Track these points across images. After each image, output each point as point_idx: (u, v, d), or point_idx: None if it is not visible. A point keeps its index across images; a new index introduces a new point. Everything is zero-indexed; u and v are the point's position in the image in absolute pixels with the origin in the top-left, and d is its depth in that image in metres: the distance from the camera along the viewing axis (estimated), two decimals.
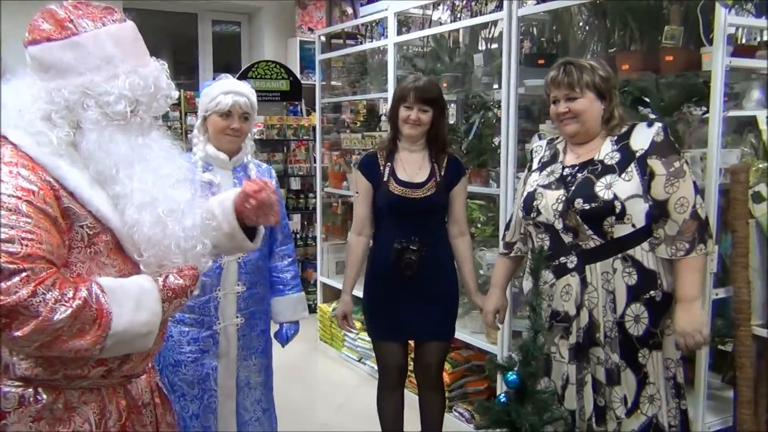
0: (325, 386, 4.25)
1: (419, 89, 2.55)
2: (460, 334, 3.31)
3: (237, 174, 2.41)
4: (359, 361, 4.39)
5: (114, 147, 1.33)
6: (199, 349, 2.34)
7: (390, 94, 3.80)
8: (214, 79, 2.48)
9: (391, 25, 3.80)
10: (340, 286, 4.58)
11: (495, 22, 3.34)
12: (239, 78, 5.27)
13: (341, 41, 5.10)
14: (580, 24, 2.95)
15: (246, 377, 2.44)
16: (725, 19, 2.14)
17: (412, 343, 2.82)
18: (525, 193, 2.26)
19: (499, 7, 3.20)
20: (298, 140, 5.91)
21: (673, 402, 2.14)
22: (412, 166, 2.64)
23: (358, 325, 4.33)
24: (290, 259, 2.60)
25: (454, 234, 2.71)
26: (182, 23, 6.67)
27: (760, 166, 2.38)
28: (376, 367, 2.90)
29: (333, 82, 5.06)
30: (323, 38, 4.93)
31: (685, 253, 2.02)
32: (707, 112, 2.28)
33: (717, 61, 2.17)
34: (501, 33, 3.06)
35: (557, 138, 2.32)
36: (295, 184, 6.07)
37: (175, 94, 1.47)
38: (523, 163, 3.10)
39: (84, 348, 1.20)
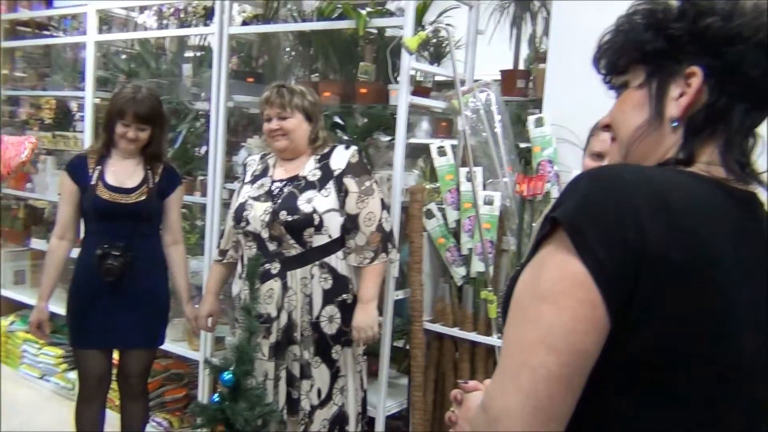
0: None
1: (139, 108, 2.50)
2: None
3: None
4: (41, 378, 4.04)
5: None
6: None
7: (87, 94, 3.62)
8: None
9: (92, 22, 3.61)
10: (19, 298, 4.22)
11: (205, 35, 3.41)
12: None
13: (30, 30, 4.64)
14: (287, 49, 3.17)
15: None
16: (409, 63, 2.53)
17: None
18: (237, 204, 2.42)
19: (208, 19, 3.27)
20: None
21: (361, 392, 2.47)
22: (124, 171, 2.60)
23: (40, 339, 4.01)
24: None
25: (168, 242, 2.71)
26: None
27: (430, 187, 2.86)
28: (62, 384, 2.75)
29: (18, 74, 4.58)
30: (6, 24, 4.44)
31: (370, 261, 2.35)
32: (393, 139, 2.67)
33: (401, 97, 2.54)
34: (210, 44, 3.14)
35: (269, 153, 2.51)
36: None
37: None
38: (229, 174, 3.23)
39: None
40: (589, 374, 0.75)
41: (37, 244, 4.16)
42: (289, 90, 2.37)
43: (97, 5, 3.59)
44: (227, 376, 1.92)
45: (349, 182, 2.34)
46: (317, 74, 3.02)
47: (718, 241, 0.78)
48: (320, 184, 2.34)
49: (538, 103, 2.83)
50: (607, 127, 0.94)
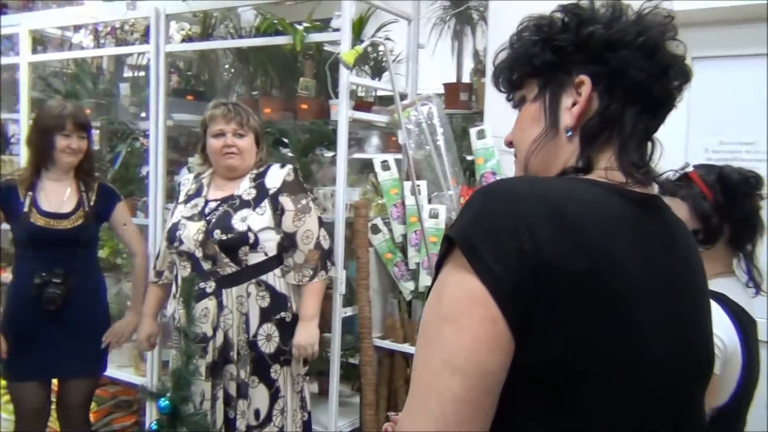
0: None
1: (76, 116, 2.49)
2: (108, 369, 3.19)
3: None
4: None
5: None
6: None
7: (22, 116, 3.51)
8: None
9: (25, 43, 3.51)
10: None
11: (142, 53, 3.34)
12: None
13: None
14: (226, 66, 3.13)
15: None
16: (348, 78, 2.52)
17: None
18: (170, 224, 2.39)
19: (145, 39, 3.21)
20: None
21: (300, 413, 2.42)
22: (58, 196, 2.53)
23: None
24: None
25: (130, 255, 2.71)
26: None
27: (379, 202, 2.83)
28: (4, 416, 2.64)
29: None
30: None
31: (310, 278, 2.34)
32: (335, 154, 2.64)
33: (341, 112, 2.52)
34: (148, 63, 3.08)
35: (203, 173, 2.47)
36: None
37: None
38: (171, 193, 3.15)
39: None
40: (500, 391, 0.73)
41: None
42: (243, 108, 2.36)
43: (29, 25, 3.49)
44: (164, 402, 1.86)
45: (285, 201, 2.33)
46: (257, 91, 2.98)
47: (619, 247, 0.77)
48: (255, 203, 2.32)
49: (482, 116, 2.84)
50: (510, 144, 0.94)
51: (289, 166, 2.40)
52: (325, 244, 2.38)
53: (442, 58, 3.20)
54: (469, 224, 0.74)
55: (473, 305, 0.71)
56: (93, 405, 3.28)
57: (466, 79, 3.15)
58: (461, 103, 3.07)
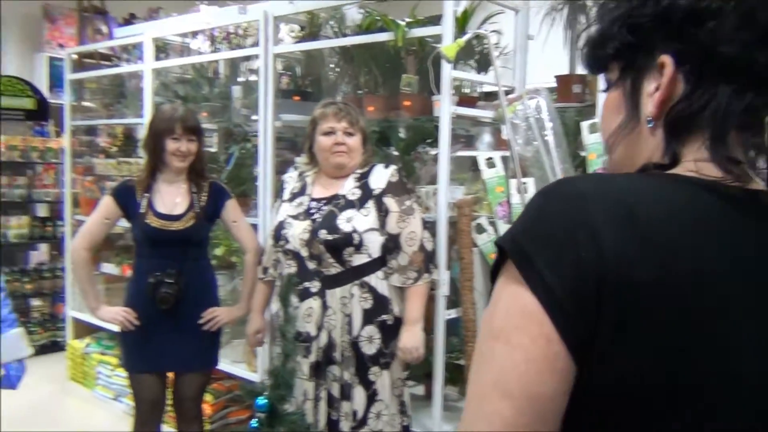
0: (76, 429, 3.94)
1: (185, 120, 2.56)
2: (222, 364, 3.31)
3: None
4: (115, 399, 4.15)
5: None
6: None
7: (146, 121, 3.70)
8: None
9: (148, 50, 3.71)
10: (92, 320, 4.34)
11: (256, 56, 3.43)
12: None
13: (95, 61, 4.83)
14: (332, 66, 3.14)
15: None
16: (450, 73, 2.44)
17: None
18: (276, 223, 2.40)
19: (258, 43, 3.29)
20: (45, 163, 5.46)
21: (399, 417, 2.36)
22: (172, 198, 2.62)
23: (113, 361, 4.12)
24: (3, 294, 2.35)
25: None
26: None
27: (489, 201, 2.73)
28: (133, 405, 2.78)
29: (86, 104, 4.76)
30: (74, 56, 4.64)
31: (414, 281, 2.29)
32: (438, 152, 2.57)
33: (444, 108, 2.45)
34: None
35: (307, 171, 2.48)
36: (42, 210, 5.58)
37: None
38: (280, 193, 3.21)
39: None
40: (560, 419, 0.64)
41: (107, 268, 4.29)
42: (353, 108, 2.38)
43: (152, 33, 3.68)
44: (261, 401, 1.88)
45: (390, 202, 2.30)
46: (361, 90, 2.97)
47: (705, 254, 0.65)
48: (360, 203, 2.30)
49: (596, 109, 2.68)
50: None
51: (393, 167, 2.37)
52: (429, 246, 2.33)
53: (553, 50, 3.05)
54: (523, 231, 0.66)
55: (525, 322, 0.63)
56: (210, 398, 3.42)
57: (579, 70, 2.98)
58: (574, 95, 2.91)
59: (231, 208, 2.73)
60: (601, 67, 0.78)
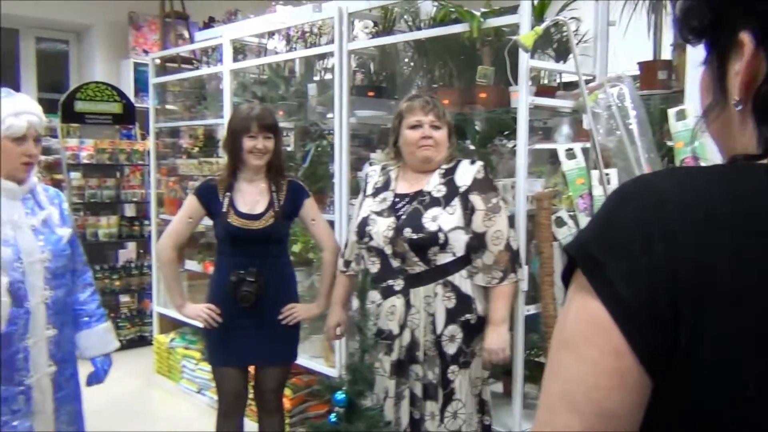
0: (162, 421, 4.09)
1: (261, 118, 2.58)
2: (300, 359, 3.35)
3: (27, 203, 2.14)
4: (198, 392, 4.27)
5: None
6: (10, 410, 2.07)
7: (226, 121, 3.79)
8: None
9: (227, 52, 3.79)
10: (177, 316, 4.49)
11: (329, 53, 3.46)
12: (66, 100, 5.03)
13: (177, 65, 5.00)
14: (406, 60, 3.13)
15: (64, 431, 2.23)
16: (527, 63, 2.38)
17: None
18: (359, 218, 2.37)
19: (333, 40, 3.32)
20: (132, 165, 5.69)
21: (476, 417, 2.32)
22: (252, 197, 2.66)
23: (197, 355, 4.24)
24: (92, 289, 2.39)
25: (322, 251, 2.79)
26: (1, 39, 6.19)
27: (570, 194, 2.65)
28: (216, 398, 2.85)
29: (169, 107, 4.93)
30: (158, 61, 4.81)
31: (499, 281, 2.24)
32: (516, 144, 2.52)
33: (521, 98, 2.39)
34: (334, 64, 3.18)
35: (390, 165, 2.44)
36: (130, 210, 5.82)
37: None
38: (356, 189, 3.22)
39: None
40: None
41: (191, 265, 4.41)
42: (440, 102, 2.33)
43: (230, 34, 3.76)
44: (340, 396, 1.88)
45: (476, 199, 2.25)
46: (436, 84, 2.94)
47: None
48: (445, 201, 2.25)
49: (683, 96, 2.55)
50: None
51: (479, 163, 2.32)
52: (514, 245, 2.29)
53: (636, 36, 2.93)
54: (593, 236, 0.62)
55: (594, 333, 0.59)
56: (289, 392, 3.47)
57: (664, 56, 2.85)
58: (659, 82, 2.79)
59: (309, 207, 2.74)
60: (693, 41, 0.72)
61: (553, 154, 2.84)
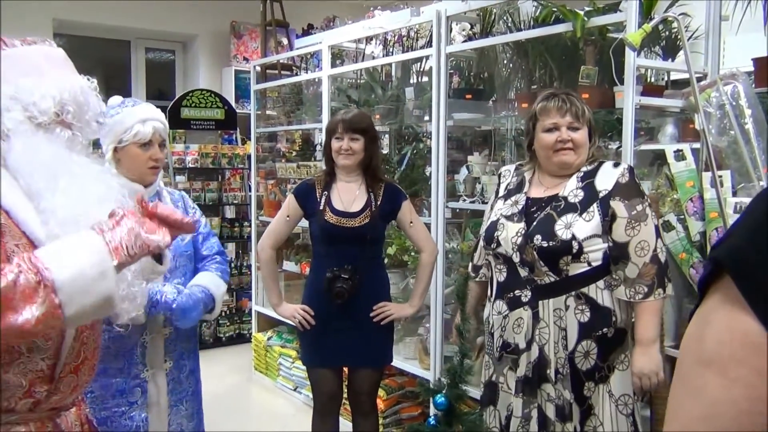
0: (260, 417, 4.22)
1: (347, 121, 2.63)
2: (395, 360, 3.37)
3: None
4: (295, 390, 4.38)
5: (39, 157, 1.29)
6: (126, 401, 2.16)
7: (324, 125, 3.88)
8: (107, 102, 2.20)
9: (326, 58, 3.88)
10: (274, 315, 4.61)
11: (426, 57, 3.47)
12: (173, 107, 5.28)
13: (276, 72, 5.15)
14: (504, 62, 3.09)
15: (178, 425, 2.30)
16: (634, 61, 2.30)
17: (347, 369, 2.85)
18: (488, 222, 2.24)
19: (430, 44, 3.33)
20: (233, 169, 5.91)
21: None
22: (349, 196, 2.69)
23: (293, 353, 4.35)
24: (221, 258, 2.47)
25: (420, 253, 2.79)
26: (115, 50, 6.59)
27: (674, 197, 2.55)
28: (311, 396, 2.91)
29: (268, 112, 5.09)
30: (258, 68, 4.97)
31: (644, 296, 2.01)
32: (620, 146, 2.43)
33: (627, 99, 2.31)
34: (431, 68, 3.18)
35: (525, 165, 2.30)
36: (230, 212, 6.05)
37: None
38: (452, 192, 3.21)
39: (39, 316, 1.12)
40: None
41: (288, 266, 4.54)
42: (578, 98, 2.12)
43: (329, 40, 3.84)
44: (440, 399, 1.87)
45: (618, 206, 2.03)
46: (535, 85, 2.88)
47: None
48: (582, 207, 2.05)
49: None
50: None
51: (623, 166, 2.10)
52: (662, 258, 2.03)
53: (751, 31, 2.77)
54: (746, 242, 0.57)
55: (747, 352, 0.54)
56: (383, 393, 3.49)
57: None
58: None
59: (407, 210, 2.75)
60: None
61: (657, 155, 2.73)
